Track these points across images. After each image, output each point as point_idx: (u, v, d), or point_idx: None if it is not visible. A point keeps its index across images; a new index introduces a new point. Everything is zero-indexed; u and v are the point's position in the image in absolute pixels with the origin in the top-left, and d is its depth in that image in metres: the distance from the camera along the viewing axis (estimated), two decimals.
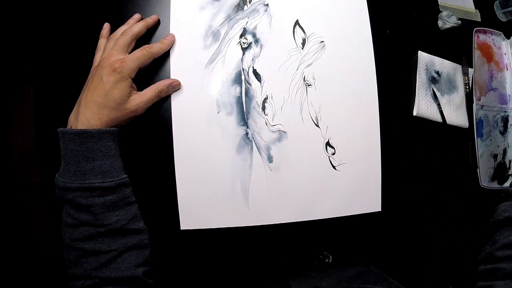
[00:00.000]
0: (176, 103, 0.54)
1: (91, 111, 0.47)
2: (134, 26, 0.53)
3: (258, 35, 0.57)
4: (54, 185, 0.47)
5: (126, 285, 0.46)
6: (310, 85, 0.57)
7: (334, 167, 0.57)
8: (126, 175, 0.49)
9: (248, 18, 0.57)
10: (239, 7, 0.57)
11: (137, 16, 0.56)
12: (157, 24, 0.56)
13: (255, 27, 0.57)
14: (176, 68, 0.54)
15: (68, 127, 0.48)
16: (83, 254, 0.45)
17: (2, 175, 1.20)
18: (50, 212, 0.51)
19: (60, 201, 0.47)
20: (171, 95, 0.54)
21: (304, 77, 0.57)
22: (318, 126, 0.57)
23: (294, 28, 0.58)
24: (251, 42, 0.56)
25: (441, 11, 0.68)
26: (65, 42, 0.57)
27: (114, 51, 0.50)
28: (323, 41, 0.58)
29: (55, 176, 0.47)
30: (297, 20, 0.58)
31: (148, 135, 0.55)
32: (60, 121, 0.49)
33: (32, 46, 0.60)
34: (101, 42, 0.55)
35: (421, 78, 0.64)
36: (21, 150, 1.22)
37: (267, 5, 0.58)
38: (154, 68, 0.55)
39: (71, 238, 0.45)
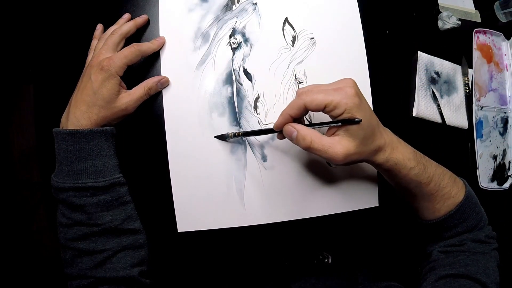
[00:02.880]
0: (168, 105, 0.54)
1: (81, 110, 0.47)
2: (123, 25, 0.54)
3: (247, 35, 0.57)
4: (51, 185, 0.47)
5: (122, 285, 0.46)
6: (302, 82, 0.57)
7: (329, 163, 0.57)
8: (120, 175, 0.49)
9: (237, 18, 0.57)
10: (228, 7, 0.57)
11: (126, 15, 0.56)
12: (146, 24, 0.57)
13: (244, 27, 0.57)
14: (167, 70, 0.55)
15: (60, 128, 0.48)
16: (78, 253, 0.45)
17: (2, 175, 1.20)
18: (50, 212, 0.51)
19: (56, 201, 0.47)
20: (163, 98, 0.54)
21: (295, 75, 0.57)
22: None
23: (283, 26, 0.58)
24: (240, 42, 0.56)
25: (441, 12, 0.68)
26: (64, 42, 0.58)
27: (103, 50, 0.50)
28: (313, 38, 0.58)
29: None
30: (286, 18, 0.58)
31: (142, 139, 0.55)
32: (60, 121, 0.49)
33: (32, 46, 0.60)
34: (94, 42, 0.55)
35: (420, 79, 0.64)
36: (21, 150, 1.22)
37: (256, 4, 0.58)
38: (145, 72, 0.55)
39: (66, 238, 0.46)
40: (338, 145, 0.43)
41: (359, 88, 0.44)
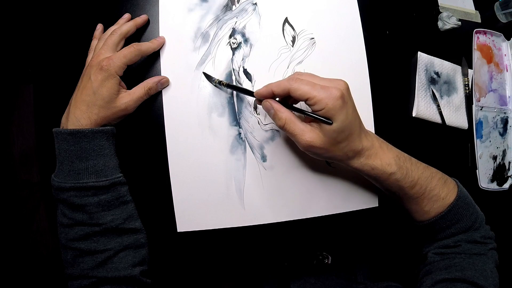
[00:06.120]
0: (168, 106, 0.54)
1: (81, 110, 0.47)
2: (123, 25, 0.54)
3: (247, 35, 0.57)
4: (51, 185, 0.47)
5: (123, 284, 0.46)
6: None
7: (329, 163, 0.57)
8: (121, 174, 0.49)
9: (236, 18, 0.57)
10: (227, 7, 0.57)
11: (126, 15, 0.56)
12: (146, 24, 0.57)
13: (244, 27, 0.57)
14: (167, 70, 0.55)
15: (60, 128, 0.48)
16: (79, 254, 0.45)
17: (2, 175, 1.20)
18: (50, 212, 0.51)
19: (56, 201, 0.47)
20: (163, 98, 0.54)
21: None
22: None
23: (283, 26, 0.58)
24: (240, 42, 0.57)
25: (441, 12, 0.68)
26: (64, 42, 0.58)
27: (102, 50, 0.50)
28: (313, 38, 0.58)
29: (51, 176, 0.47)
30: (286, 18, 0.58)
31: (142, 139, 0.55)
32: (60, 122, 0.49)
33: (32, 46, 0.60)
34: (93, 42, 0.55)
35: (420, 79, 0.64)
36: (21, 150, 1.22)
37: (256, 4, 0.58)
38: (145, 72, 0.55)
39: (67, 238, 0.46)
40: (307, 133, 0.45)
41: (349, 92, 0.44)
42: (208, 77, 0.54)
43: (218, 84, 0.53)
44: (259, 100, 0.48)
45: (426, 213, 0.51)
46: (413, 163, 0.50)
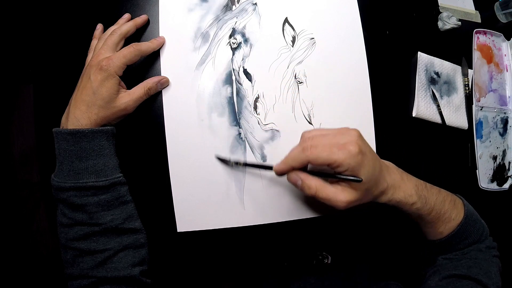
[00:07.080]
0: (168, 106, 0.54)
1: (80, 110, 0.47)
2: (123, 25, 0.54)
3: (247, 35, 0.57)
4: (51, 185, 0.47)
5: (123, 284, 0.46)
6: (302, 82, 0.57)
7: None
8: (121, 174, 0.49)
9: (236, 18, 0.57)
10: (228, 7, 0.57)
11: (126, 15, 0.57)
12: (146, 24, 0.57)
13: (244, 27, 0.57)
14: (167, 70, 0.55)
15: (60, 128, 0.48)
16: (79, 253, 0.45)
17: (2, 175, 1.20)
18: (50, 212, 0.51)
19: (56, 201, 0.47)
20: (163, 99, 0.54)
21: (295, 75, 0.57)
22: (311, 123, 0.57)
23: (283, 26, 0.58)
24: (240, 42, 0.57)
25: (441, 12, 0.68)
26: (64, 42, 0.58)
27: (102, 50, 0.50)
28: (313, 38, 0.58)
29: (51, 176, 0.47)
30: (286, 18, 0.58)
31: (142, 139, 0.55)
32: (60, 122, 0.49)
33: (32, 46, 0.60)
34: (93, 42, 0.55)
35: (420, 79, 0.64)
36: (21, 150, 1.22)
37: (256, 4, 0.58)
38: (145, 72, 0.55)
39: (66, 238, 0.46)
40: (341, 195, 0.44)
41: (363, 140, 0.45)
42: (223, 161, 0.54)
43: (235, 165, 0.53)
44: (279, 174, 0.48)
45: (439, 234, 0.52)
46: (428, 190, 0.51)
